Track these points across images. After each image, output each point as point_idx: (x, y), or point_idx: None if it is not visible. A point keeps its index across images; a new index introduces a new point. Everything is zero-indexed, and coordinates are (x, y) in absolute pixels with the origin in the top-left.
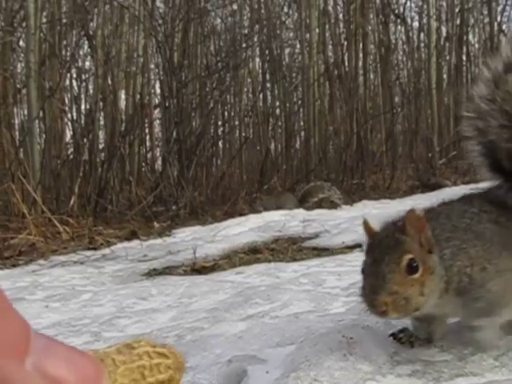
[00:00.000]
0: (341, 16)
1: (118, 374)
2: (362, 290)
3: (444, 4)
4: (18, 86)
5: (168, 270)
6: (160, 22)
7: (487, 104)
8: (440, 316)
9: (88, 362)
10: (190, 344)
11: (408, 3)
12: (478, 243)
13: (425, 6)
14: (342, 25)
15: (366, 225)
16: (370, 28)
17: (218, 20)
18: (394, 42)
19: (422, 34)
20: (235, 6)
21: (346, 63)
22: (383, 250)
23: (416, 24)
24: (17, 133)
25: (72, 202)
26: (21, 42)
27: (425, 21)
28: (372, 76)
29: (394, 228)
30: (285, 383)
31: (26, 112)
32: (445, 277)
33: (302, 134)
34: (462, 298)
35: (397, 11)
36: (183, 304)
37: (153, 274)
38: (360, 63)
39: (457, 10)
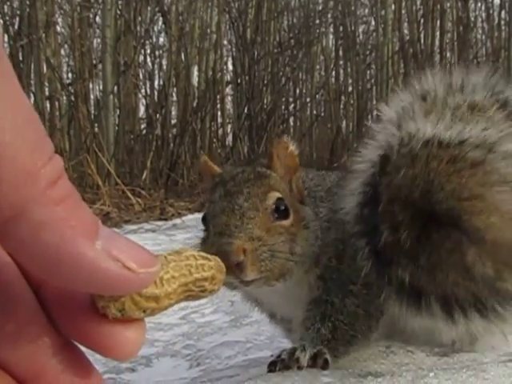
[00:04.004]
0: None
1: (169, 267)
2: (202, 244)
3: None
4: (94, 61)
5: None
6: None
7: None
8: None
9: (145, 251)
10: None
11: None
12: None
13: None
14: (418, 2)
15: (205, 164)
16: (448, 5)
17: None
18: (473, 19)
19: (503, 12)
20: None
21: (422, 41)
22: (240, 184)
23: (497, 1)
24: (92, 107)
25: (144, 175)
26: (97, 18)
27: None
28: (449, 54)
29: (255, 164)
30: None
31: (101, 87)
32: (319, 240)
33: (375, 112)
34: (322, 282)
35: None
36: None
37: None
38: (436, 41)
39: None
